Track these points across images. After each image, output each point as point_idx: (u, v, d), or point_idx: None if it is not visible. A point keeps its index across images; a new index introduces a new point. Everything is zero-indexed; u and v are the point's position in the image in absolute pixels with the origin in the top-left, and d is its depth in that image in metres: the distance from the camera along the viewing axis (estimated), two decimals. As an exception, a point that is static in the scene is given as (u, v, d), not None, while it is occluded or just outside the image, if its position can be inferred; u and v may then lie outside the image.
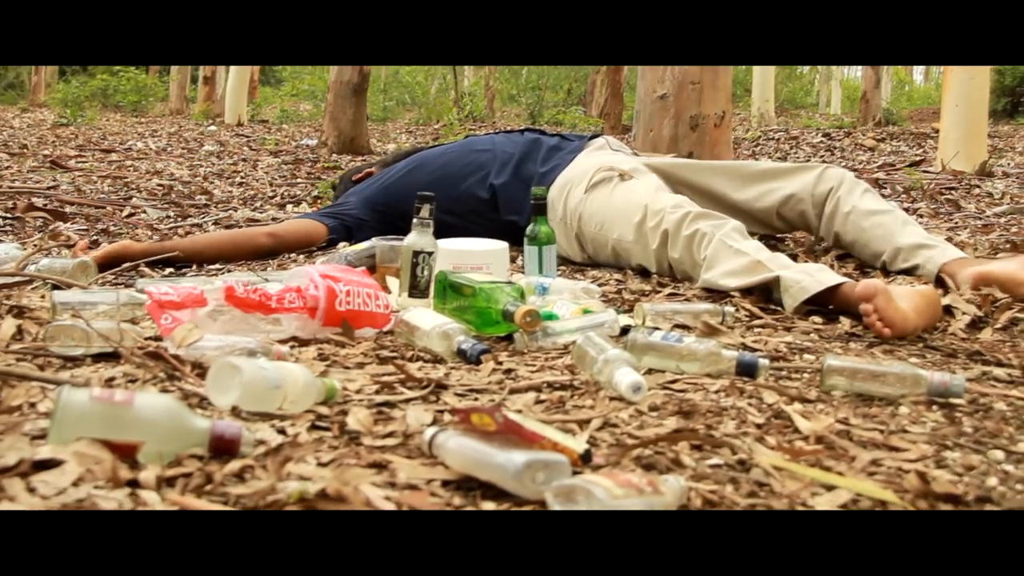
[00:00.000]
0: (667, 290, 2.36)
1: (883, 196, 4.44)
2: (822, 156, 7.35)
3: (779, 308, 2.14)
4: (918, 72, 42.81)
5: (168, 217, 3.89)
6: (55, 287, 2.16)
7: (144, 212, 3.98)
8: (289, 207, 4.28)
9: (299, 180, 5.42)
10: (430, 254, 2.09)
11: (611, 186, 2.65)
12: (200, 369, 1.51)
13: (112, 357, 1.58)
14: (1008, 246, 2.97)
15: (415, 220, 2.11)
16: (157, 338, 1.70)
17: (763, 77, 13.13)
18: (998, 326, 1.97)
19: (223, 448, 1.13)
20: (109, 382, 1.45)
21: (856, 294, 1.91)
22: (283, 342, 1.74)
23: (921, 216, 3.85)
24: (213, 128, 10.99)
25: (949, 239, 3.06)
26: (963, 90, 5.58)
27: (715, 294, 2.25)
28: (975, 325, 1.99)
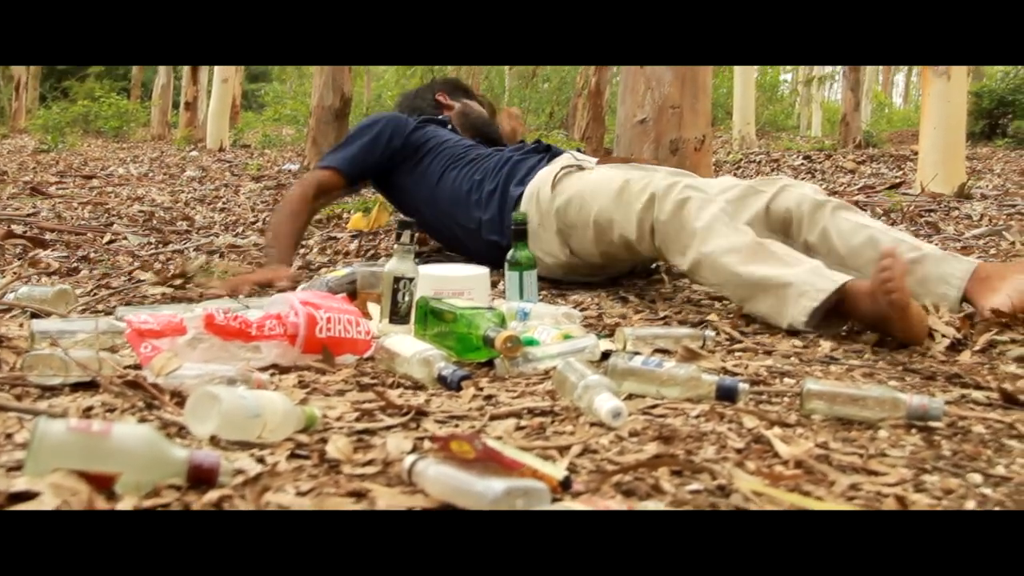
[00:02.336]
0: (647, 314, 2.37)
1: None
2: (803, 179, 7.38)
3: (759, 329, 2.15)
4: (897, 94, 43.18)
5: (149, 243, 3.88)
6: (34, 315, 2.15)
7: (125, 239, 3.97)
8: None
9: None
10: (411, 280, 2.09)
11: (577, 174, 2.72)
12: (179, 398, 1.50)
13: (91, 386, 1.58)
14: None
15: (396, 246, 2.12)
16: (136, 366, 1.69)
17: (744, 100, 13.20)
18: (976, 348, 1.98)
19: (201, 478, 1.12)
20: (87, 412, 1.45)
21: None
22: (263, 370, 1.74)
23: (900, 238, 3.86)
24: (195, 153, 10.97)
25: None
26: (941, 113, 5.63)
27: (694, 314, 2.26)
28: (954, 347, 2.00)
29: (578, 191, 2.66)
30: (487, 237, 2.89)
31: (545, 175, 2.79)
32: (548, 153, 3.02)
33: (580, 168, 2.74)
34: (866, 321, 2.11)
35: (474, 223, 2.94)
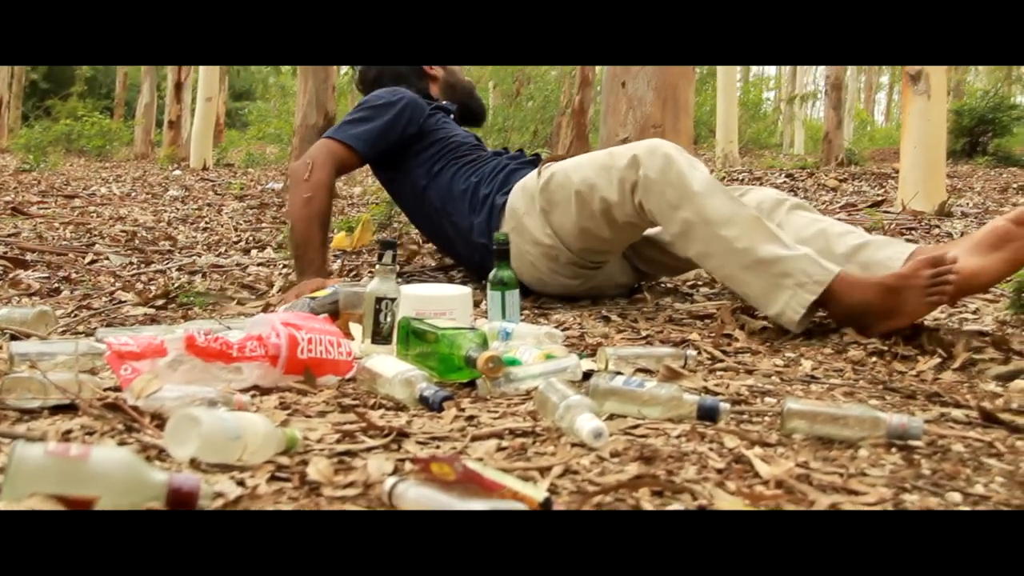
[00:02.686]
0: (628, 333, 2.37)
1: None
2: (785, 196, 7.40)
3: (741, 348, 2.16)
4: (879, 112, 43.49)
5: (131, 264, 3.87)
6: (13, 337, 2.14)
7: (107, 259, 3.96)
8: (254, 252, 4.26)
9: (264, 225, 5.40)
10: (393, 300, 2.09)
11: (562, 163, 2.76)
12: (159, 420, 1.49)
13: (70, 409, 1.57)
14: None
15: (378, 266, 2.12)
16: (116, 389, 1.68)
17: (727, 117, 13.26)
18: (956, 367, 1.99)
19: (180, 501, 1.12)
20: (66, 435, 1.44)
21: (949, 259, 2.06)
22: (244, 391, 1.73)
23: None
24: (178, 172, 10.95)
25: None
26: (921, 132, 5.67)
27: (676, 333, 2.27)
28: (936, 366, 2.01)
29: (562, 166, 2.69)
30: (478, 240, 2.90)
31: (534, 172, 2.82)
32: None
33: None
34: (848, 311, 2.19)
35: (466, 223, 2.94)
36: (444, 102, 3.30)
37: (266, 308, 2.63)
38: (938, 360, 2.04)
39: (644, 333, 2.38)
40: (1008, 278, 2.26)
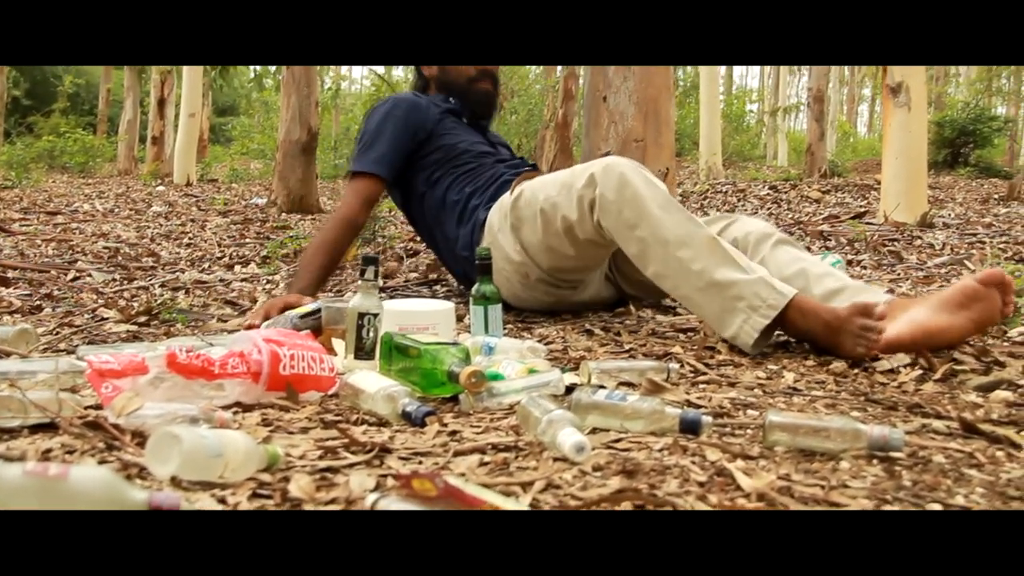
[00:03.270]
0: (611, 347, 2.37)
1: (828, 248, 4.53)
2: (769, 209, 7.45)
3: (723, 360, 2.16)
4: (862, 124, 43.73)
5: (114, 280, 3.86)
6: (-6, 355, 2.13)
7: (89, 276, 3.94)
8: (237, 268, 4.26)
9: (248, 240, 5.40)
10: (375, 316, 2.09)
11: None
12: (140, 438, 1.49)
13: (50, 428, 1.56)
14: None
15: (360, 281, 2.12)
16: (98, 407, 1.68)
17: (710, 130, 13.32)
18: (937, 377, 2.00)
19: (161, 520, 1.12)
20: (46, 454, 1.43)
21: (878, 313, 2.10)
22: (226, 408, 1.72)
23: (864, 267, 3.91)
24: (161, 188, 10.94)
25: (891, 291, 3.12)
26: (902, 143, 5.71)
27: (659, 346, 2.27)
28: (917, 378, 2.02)
29: (531, 184, 2.72)
30: (461, 252, 2.92)
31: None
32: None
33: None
34: (799, 335, 2.25)
35: (453, 235, 2.95)
36: (452, 102, 3.22)
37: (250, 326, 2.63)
38: (919, 371, 2.05)
39: (627, 346, 2.38)
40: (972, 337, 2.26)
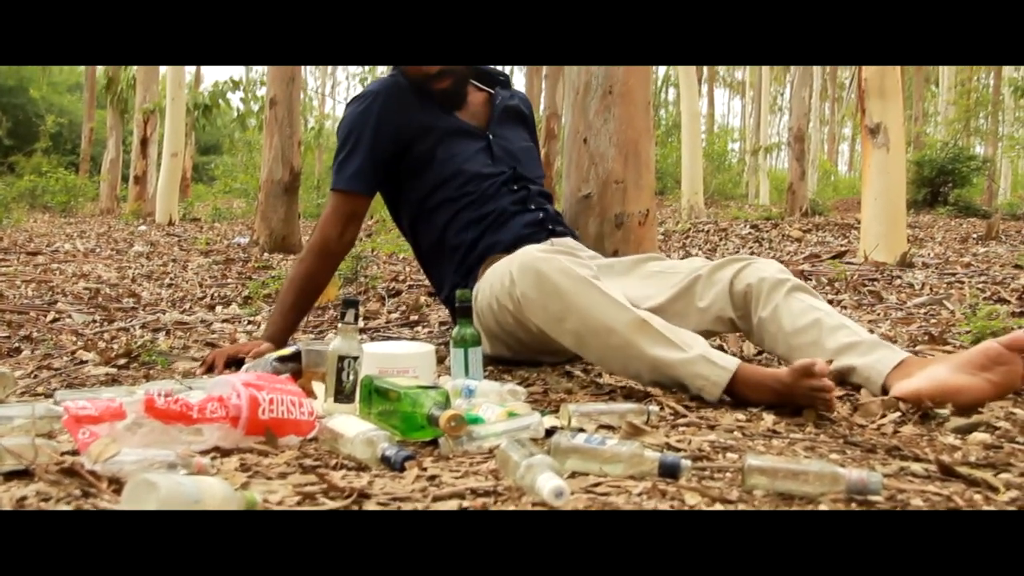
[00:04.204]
0: (592, 389, 2.37)
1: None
2: (751, 247, 7.49)
3: (703, 403, 2.17)
4: (843, 162, 44.12)
5: (94, 321, 3.84)
6: (-29, 400, 2.12)
7: (69, 317, 3.93)
8: (219, 308, 4.25)
9: (229, 280, 5.39)
10: (355, 359, 2.08)
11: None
12: (117, 485, 1.48)
13: (25, 475, 1.55)
14: (927, 338, 3.04)
15: (340, 325, 2.12)
16: (75, 452, 1.67)
17: (692, 169, 13.41)
18: (915, 419, 2.01)
19: (135, 570, 1.11)
20: (20, 502, 1.42)
21: (818, 371, 2.03)
22: (205, 453, 1.72)
23: (845, 307, 3.93)
24: (143, 228, 10.92)
25: (869, 332, 3.13)
26: (881, 184, 5.75)
27: (639, 387, 2.27)
28: (896, 420, 2.03)
29: (482, 282, 2.67)
30: (448, 295, 2.87)
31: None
32: (551, 221, 2.91)
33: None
34: (754, 404, 2.16)
35: (448, 281, 2.87)
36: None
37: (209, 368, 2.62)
38: (898, 413, 2.06)
39: (607, 388, 2.38)
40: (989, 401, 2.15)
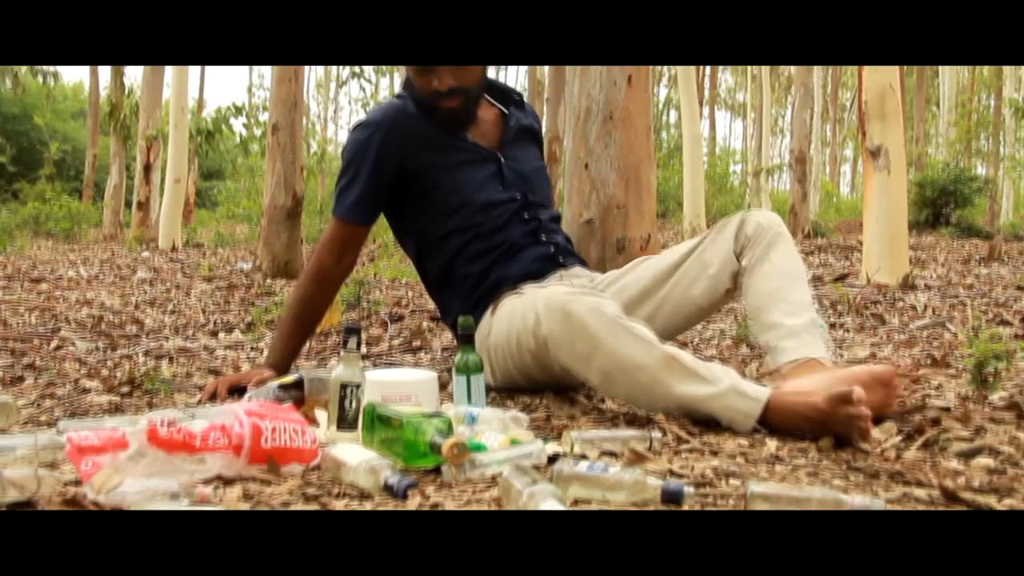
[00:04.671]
0: (594, 415, 2.37)
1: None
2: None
3: (706, 428, 2.17)
4: (845, 184, 44.22)
5: (97, 349, 3.85)
6: (-26, 430, 2.12)
7: (73, 344, 3.93)
8: (222, 335, 4.25)
9: (232, 307, 5.39)
10: (358, 386, 2.09)
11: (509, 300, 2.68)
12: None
13: (27, 506, 1.55)
14: (929, 361, 3.04)
15: (342, 352, 2.12)
16: (78, 483, 1.67)
17: (693, 191, 13.44)
18: (919, 444, 2.01)
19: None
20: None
21: (857, 398, 2.01)
22: (207, 482, 1.72)
23: (847, 330, 3.93)
24: (147, 254, 10.94)
25: (873, 355, 3.14)
26: (882, 206, 5.77)
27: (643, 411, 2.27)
28: (899, 445, 2.03)
29: (500, 315, 2.67)
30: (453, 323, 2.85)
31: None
32: (561, 253, 2.89)
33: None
34: (784, 432, 2.14)
35: (454, 310, 2.85)
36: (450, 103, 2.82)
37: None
38: (901, 438, 2.06)
39: (610, 414, 2.38)
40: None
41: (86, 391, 2.86)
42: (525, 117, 3.05)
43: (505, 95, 3.04)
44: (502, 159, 2.89)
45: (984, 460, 1.88)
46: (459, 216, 2.81)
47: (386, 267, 6.94)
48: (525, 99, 3.09)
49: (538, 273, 2.78)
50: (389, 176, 2.80)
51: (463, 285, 2.83)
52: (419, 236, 2.91)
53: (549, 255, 2.85)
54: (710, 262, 2.64)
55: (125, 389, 2.85)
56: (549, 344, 2.37)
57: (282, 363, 2.72)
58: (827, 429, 2.05)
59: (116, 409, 2.59)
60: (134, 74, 25.01)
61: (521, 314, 2.50)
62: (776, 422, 2.15)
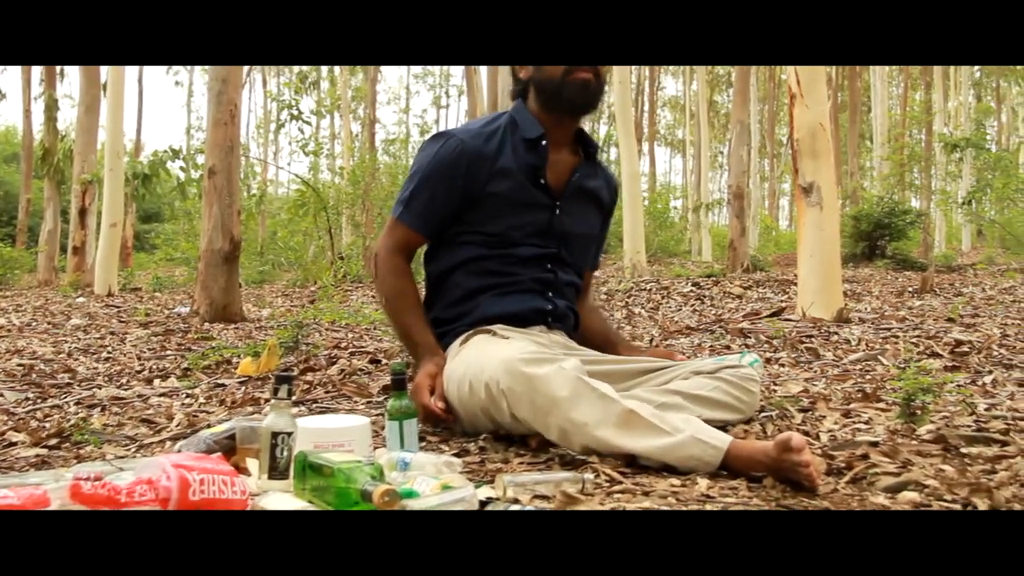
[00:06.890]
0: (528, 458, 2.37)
1: (747, 346, 4.60)
2: (692, 306, 7.57)
3: (639, 469, 2.17)
4: (783, 217, 44.87)
5: (27, 399, 3.77)
6: None
7: (1, 395, 3.85)
8: (157, 382, 4.19)
9: (169, 352, 5.32)
10: (289, 435, 2.07)
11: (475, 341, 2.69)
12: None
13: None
14: (860, 395, 3.08)
15: (273, 400, 2.11)
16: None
17: (633, 227, 13.57)
18: (847, 479, 2.03)
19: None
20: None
21: (795, 446, 2.00)
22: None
23: (783, 365, 3.97)
24: (82, 300, 10.76)
25: (806, 390, 3.18)
26: (816, 241, 5.85)
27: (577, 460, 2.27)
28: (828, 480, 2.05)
29: (461, 356, 2.65)
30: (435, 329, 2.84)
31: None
32: (553, 316, 2.87)
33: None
34: (748, 476, 2.15)
35: (441, 315, 2.85)
36: (534, 151, 2.84)
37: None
38: (824, 469, 2.08)
39: (544, 457, 2.38)
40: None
41: (12, 444, 2.80)
42: (595, 179, 3.00)
43: (587, 140, 2.99)
44: (558, 210, 2.87)
45: (910, 494, 1.91)
46: (492, 239, 2.81)
47: (325, 310, 6.90)
48: (600, 149, 3.08)
49: (523, 320, 2.79)
50: (459, 197, 2.78)
51: (454, 291, 2.84)
52: (446, 231, 2.88)
53: (544, 311, 2.85)
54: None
55: (53, 442, 2.79)
56: (507, 399, 2.37)
57: (434, 344, 2.77)
58: (780, 474, 2.06)
59: (43, 463, 2.54)
60: (68, 117, 24.71)
61: (478, 363, 2.49)
62: (736, 467, 2.15)
